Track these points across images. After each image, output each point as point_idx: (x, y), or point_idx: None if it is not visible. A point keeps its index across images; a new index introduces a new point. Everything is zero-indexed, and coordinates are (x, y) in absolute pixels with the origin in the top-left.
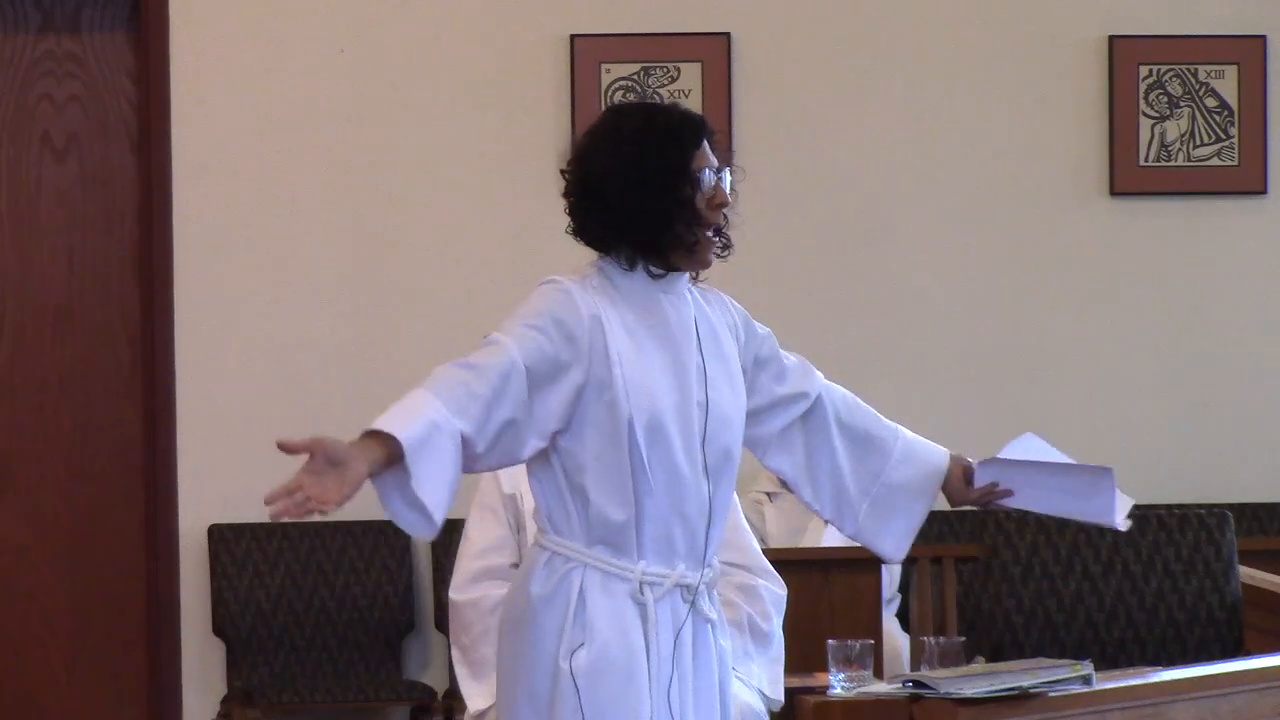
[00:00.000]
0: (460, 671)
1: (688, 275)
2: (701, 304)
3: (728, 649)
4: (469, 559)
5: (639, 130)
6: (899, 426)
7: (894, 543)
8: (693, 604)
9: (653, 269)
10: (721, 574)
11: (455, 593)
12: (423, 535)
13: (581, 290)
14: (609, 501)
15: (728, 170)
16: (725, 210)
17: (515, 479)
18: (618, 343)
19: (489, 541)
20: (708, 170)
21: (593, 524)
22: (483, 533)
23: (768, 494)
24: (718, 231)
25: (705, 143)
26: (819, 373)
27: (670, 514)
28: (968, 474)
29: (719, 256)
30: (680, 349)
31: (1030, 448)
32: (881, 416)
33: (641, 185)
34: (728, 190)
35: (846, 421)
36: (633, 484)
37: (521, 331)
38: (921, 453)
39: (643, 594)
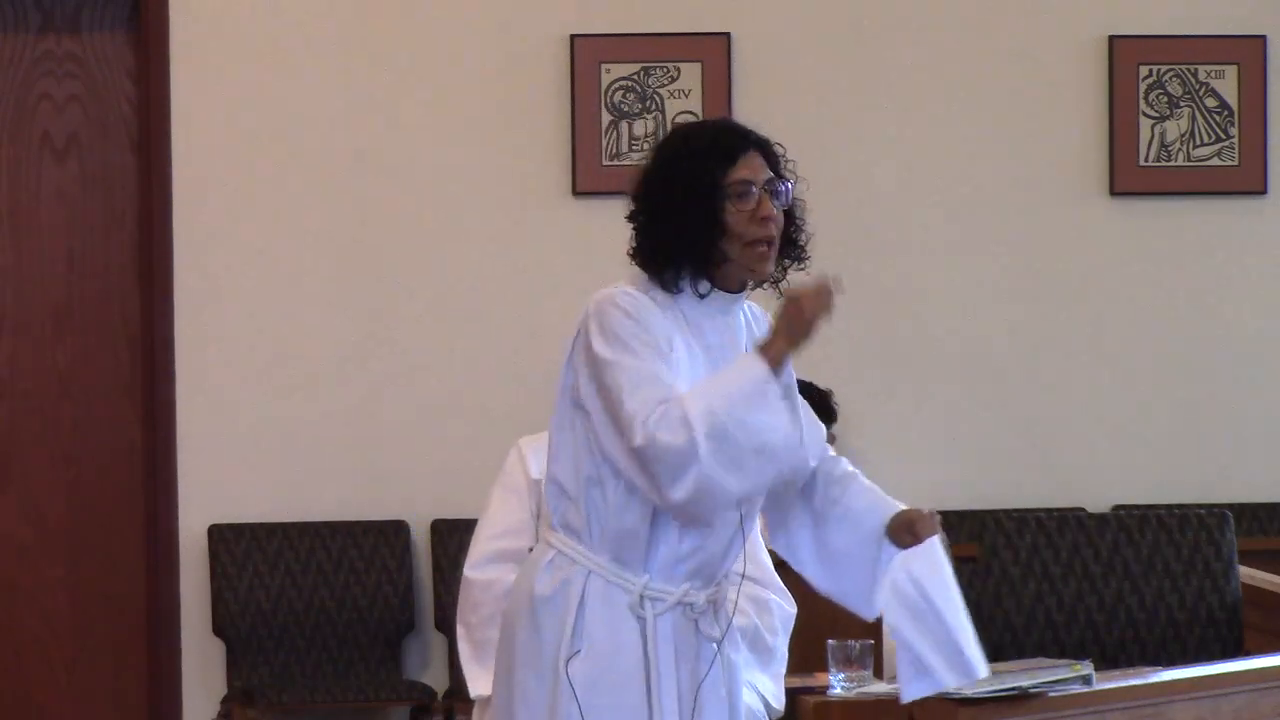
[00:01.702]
0: (464, 651)
1: (743, 296)
2: (753, 326)
3: (739, 662)
4: (487, 538)
5: (676, 148)
6: (850, 483)
7: (858, 602)
8: (696, 623)
9: (700, 289)
10: (736, 582)
11: (470, 569)
12: None
13: (652, 301)
14: (629, 514)
15: (781, 183)
16: (772, 222)
17: (543, 464)
18: (681, 365)
19: (509, 524)
20: (750, 185)
21: (606, 533)
22: (504, 513)
23: None
24: (770, 244)
25: (748, 156)
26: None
27: (688, 537)
28: (911, 527)
29: (786, 270)
30: None
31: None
32: (836, 473)
33: (676, 204)
34: (783, 203)
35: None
36: (654, 509)
37: (658, 368)
38: (861, 516)
39: (642, 608)
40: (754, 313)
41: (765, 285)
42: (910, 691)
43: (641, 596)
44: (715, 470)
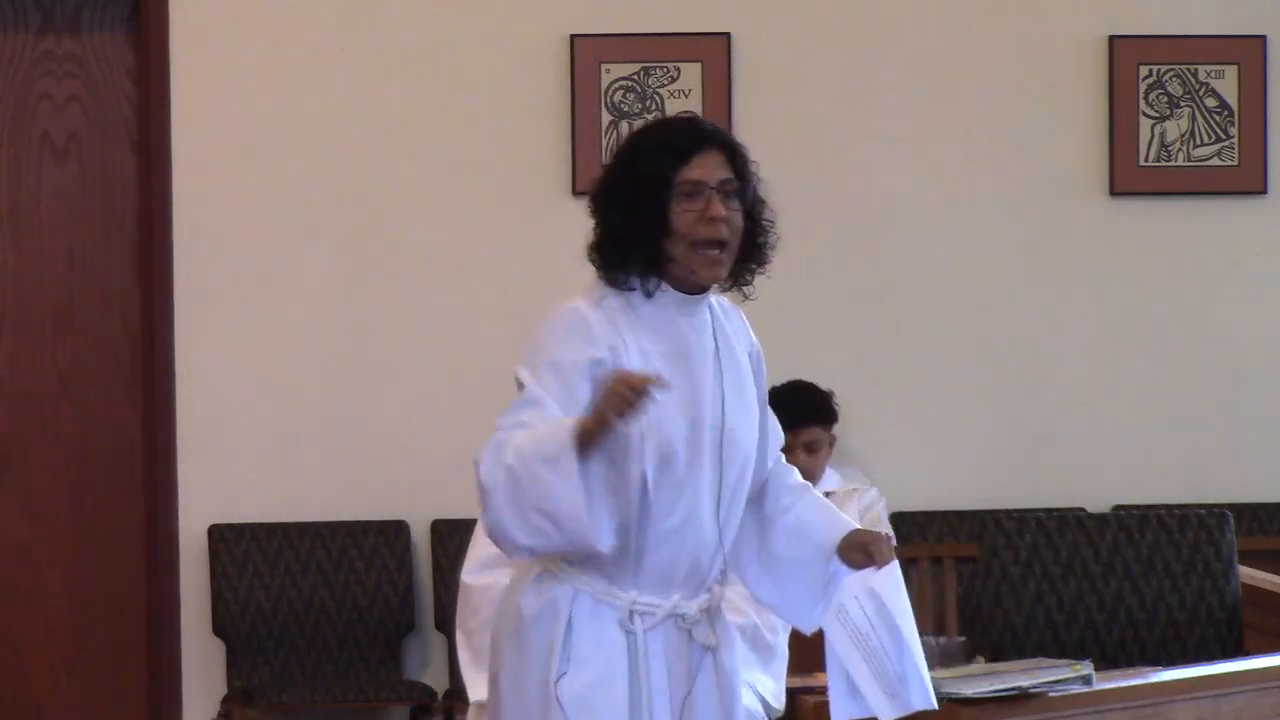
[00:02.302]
0: (463, 656)
1: (706, 298)
2: (723, 323)
3: (736, 669)
4: (484, 543)
5: (634, 144)
6: (804, 494)
7: (797, 614)
8: (689, 633)
9: (649, 287)
10: (733, 582)
11: (468, 575)
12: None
13: (600, 317)
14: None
15: (742, 185)
16: (722, 224)
17: None
18: (632, 369)
19: None
20: (701, 184)
21: None
22: None
23: None
24: (720, 246)
25: (704, 155)
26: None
27: (672, 545)
28: (865, 549)
29: (752, 273)
30: (697, 373)
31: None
32: (788, 482)
33: (625, 200)
34: (739, 206)
35: (760, 498)
36: (637, 513)
37: (549, 382)
38: (813, 529)
39: (632, 623)
40: (725, 312)
41: (729, 289)
42: (840, 710)
43: (631, 612)
44: (505, 513)
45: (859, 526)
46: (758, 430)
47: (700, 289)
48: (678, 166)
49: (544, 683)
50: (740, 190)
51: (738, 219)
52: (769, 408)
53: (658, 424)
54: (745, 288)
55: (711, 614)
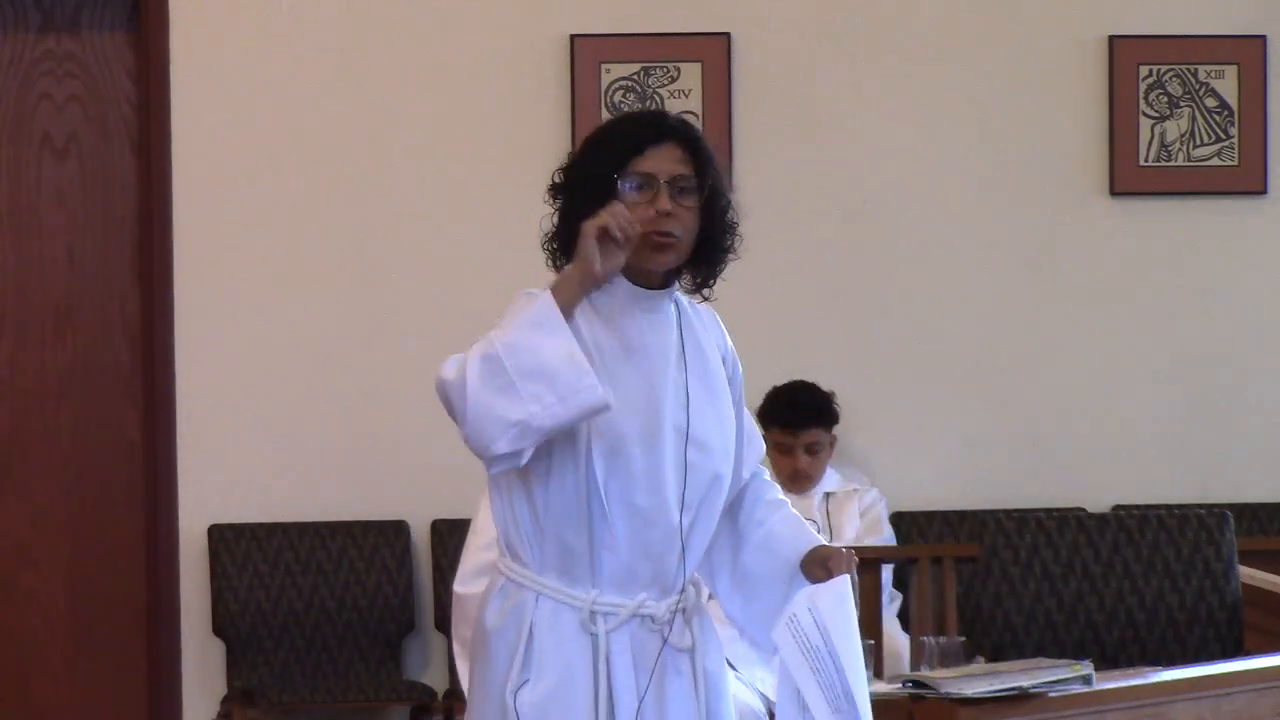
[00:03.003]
0: (461, 666)
1: (668, 293)
2: (691, 321)
3: (723, 674)
4: (475, 551)
5: (593, 135)
6: (778, 509)
7: (759, 631)
8: (661, 634)
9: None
10: None
11: (459, 585)
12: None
13: None
14: (563, 527)
15: (698, 181)
16: (670, 219)
17: None
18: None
19: (494, 534)
20: (650, 177)
21: (546, 550)
22: (489, 525)
23: None
24: (666, 239)
25: (661, 148)
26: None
27: (630, 543)
28: (825, 563)
29: (711, 272)
30: (656, 370)
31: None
32: (765, 497)
33: (576, 190)
34: (690, 201)
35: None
36: (588, 511)
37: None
38: (780, 543)
39: (594, 624)
40: (696, 312)
41: (690, 291)
42: None
43: (591, 612)
44: (483, 393)
45: (825, 543)
46: (732, 435)
47: (657, 284)
48: (630, 158)
49: (501, 693)
50: (697, 187)
51: (689, 216)
52: (747, 415)
53: (610, 420)
54: (705, 289)
55: (688, 615)
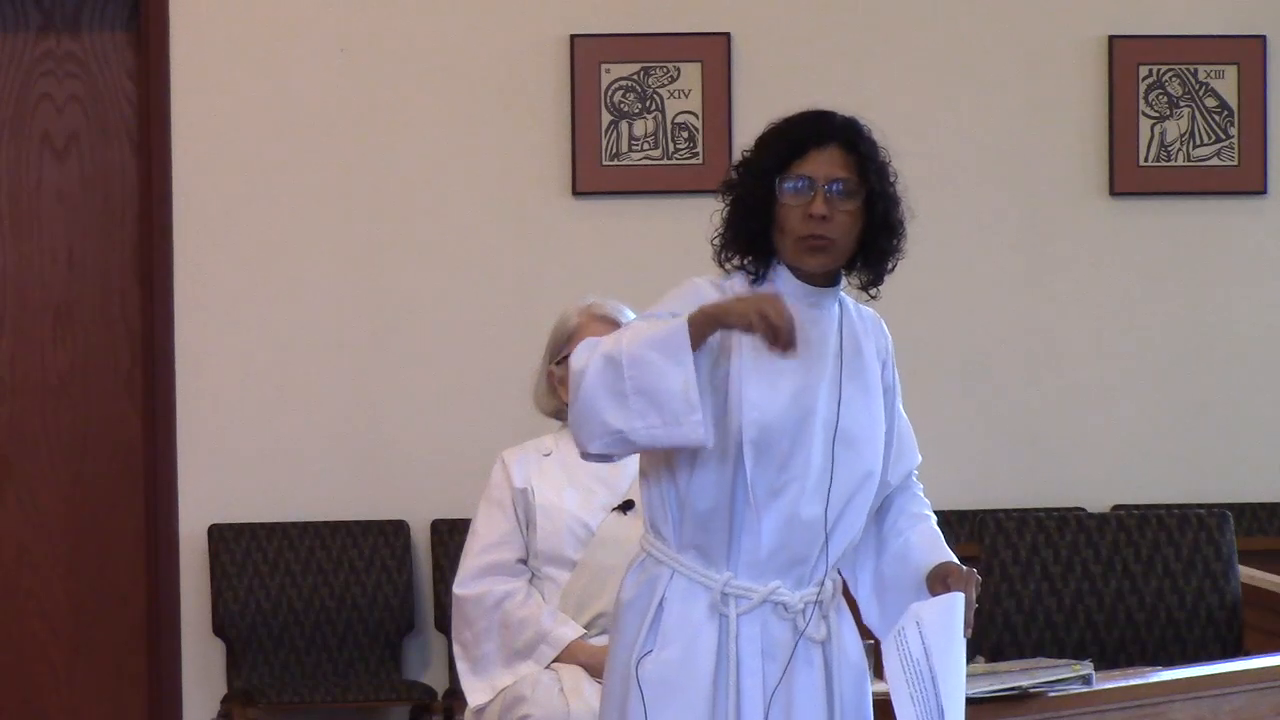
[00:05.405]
0: (461, 666)
1: (834, 291)
2: (853, 321)
3: (860, 663)
4: (474, 554)
5: (761, 136)
6: (920, 522)
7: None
8: (793, 623)
9: (760, 272)
10: None
11: (459, 587)
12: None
13: (715, 295)
14: (706, 509)
15: (859, 185)
16: (825, 222)
17: (527, 473)
18: (741, 354)
19: (495, 537)
20: (808, 180)
21: (686, 529)
22: (490, 528)
23: None
24: (822, 242)
25: (822, 151)
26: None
27: (771, 531)
28: (945, 579)
29: (877, 275)
30: (813, 365)
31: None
32: (910, 509)
33: (740, 190)
34: (849, 204)
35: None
36: (731, 496)
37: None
38: (914, 554)
39: (725, 606)
40: (860, 314)
41: (858, 290)
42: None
43: (723, 594)
44: (597, 392)
45: (954, 559)
46: (882, 436)
47: (821, 281)
48: (792, 159)
49: (627, 662)
50: (859, 190)
51: (847, 219)
52: (905, 422)
53: (759, 403)
54: (871, 289)
55: (824, 608)
